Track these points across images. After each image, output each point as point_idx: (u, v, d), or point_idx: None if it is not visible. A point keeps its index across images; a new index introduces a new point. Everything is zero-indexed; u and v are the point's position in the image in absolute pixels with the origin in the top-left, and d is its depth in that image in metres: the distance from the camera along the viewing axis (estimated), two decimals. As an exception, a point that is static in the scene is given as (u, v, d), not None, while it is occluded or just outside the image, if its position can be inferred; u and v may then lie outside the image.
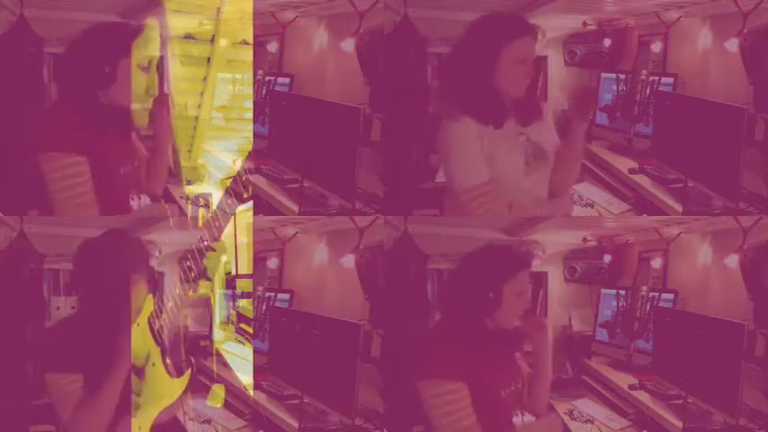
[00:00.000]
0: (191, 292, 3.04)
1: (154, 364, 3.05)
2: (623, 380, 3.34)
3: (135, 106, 3.10)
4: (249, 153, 3.14)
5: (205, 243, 2.95)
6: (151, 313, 3.04)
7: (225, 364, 3.29)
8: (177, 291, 3.04)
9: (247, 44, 3.27)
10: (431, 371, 3.08)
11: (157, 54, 3.13)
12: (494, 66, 3.02)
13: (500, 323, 3.07)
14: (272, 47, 3.29)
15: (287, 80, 3.30)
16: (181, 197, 3.26)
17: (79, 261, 3.12)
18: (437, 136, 3.14)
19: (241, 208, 3.07)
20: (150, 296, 3.06)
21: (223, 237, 2.99)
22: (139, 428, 3.07)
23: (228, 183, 2.92)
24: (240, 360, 3.29)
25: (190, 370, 3.12)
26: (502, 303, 3.04)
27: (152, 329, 3.04)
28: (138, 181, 3.17)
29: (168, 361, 3.09)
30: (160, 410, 3.09)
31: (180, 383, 3.10)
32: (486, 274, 3.07)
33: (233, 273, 3.23)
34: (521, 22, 3.09)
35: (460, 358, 3.07)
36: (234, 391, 3.30)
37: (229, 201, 2.89)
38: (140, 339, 3.04)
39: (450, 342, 3.11)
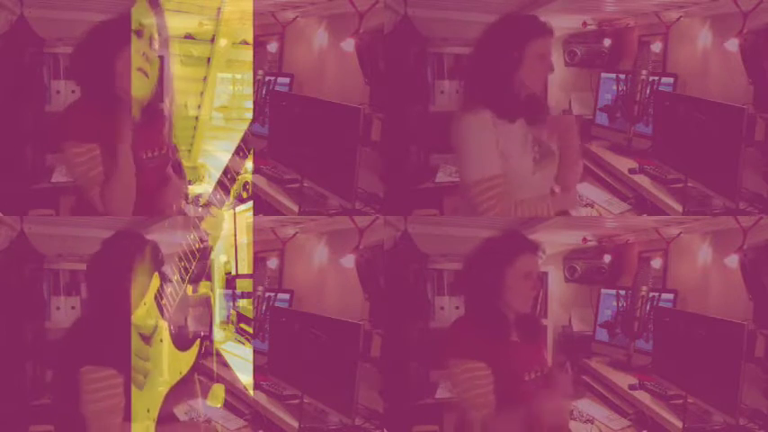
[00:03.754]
0: (190, 292, 3.05)
1: (161, 340, 3.06)
2: (623, 380, 3.34)
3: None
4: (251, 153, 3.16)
5: (204, 244, 2.96)
6: (158, 290, 3.05)
7: (225, 364, 3.29)
8: (174, 291, 3.05)
9: (247, 44, 3.27)
10: (453, 353, 3.17)
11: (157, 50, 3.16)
12: (519, 61, 3.10)
13: (513, 308, 3.14)
14: (272, 47, 3.29)
15: (287, 80, 3.30)
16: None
17: (96, 261, 3.16)
18: (451, 131, 3.17)
19: (241, 208, 3.07)
20: (156, 273, 3.08)
21: (222, 235, 3.00)
22: (148, 411, 3.07)
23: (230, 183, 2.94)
24: (240, 360, 3.29)
25: (198, 342, 3.13)
26: (509, 287, 3.11)
27: (159, 306, 3.05)
28: (164, 168, 3.19)
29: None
30: (168, 390, 3.10)
31: (188, 357, 3.11)
32: (491, 257, 3.16)
33: (233, 273, 3.24)
34: (541, 22, 3.17)
35: (480, 343, 3.14)
36: (234, 391, 3.29)
37: (218, 194, 2.94)
38: (147, 316, 3.05)
39: (470, 327, 3.19)
